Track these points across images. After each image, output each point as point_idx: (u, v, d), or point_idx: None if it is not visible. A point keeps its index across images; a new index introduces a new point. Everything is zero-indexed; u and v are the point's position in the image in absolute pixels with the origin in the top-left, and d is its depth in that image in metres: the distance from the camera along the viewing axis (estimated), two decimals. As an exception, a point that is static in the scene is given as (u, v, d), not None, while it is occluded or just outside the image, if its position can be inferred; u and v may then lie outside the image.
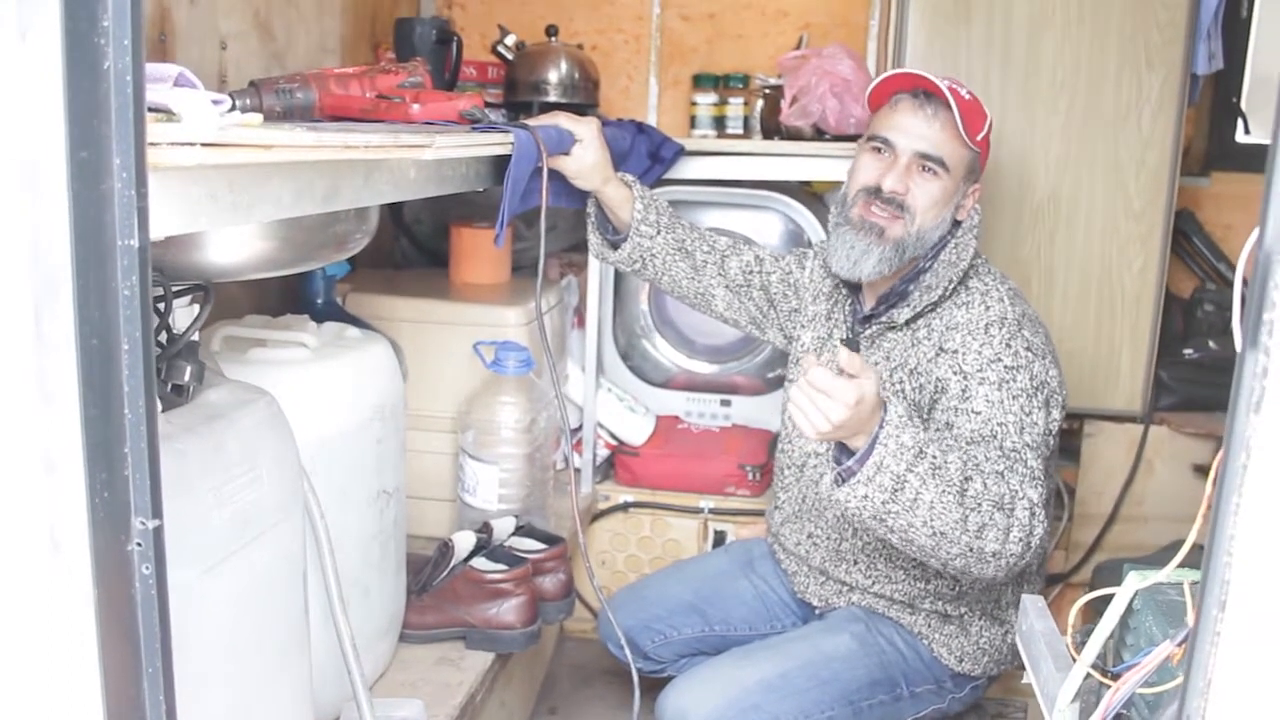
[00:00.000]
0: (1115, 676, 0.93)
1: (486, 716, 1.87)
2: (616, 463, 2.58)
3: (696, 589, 2.00)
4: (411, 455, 1.89)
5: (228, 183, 0.94)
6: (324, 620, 1.44)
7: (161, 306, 1.18)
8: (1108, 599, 1.00)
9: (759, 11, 2.78)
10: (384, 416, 1.65)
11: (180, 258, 1.28)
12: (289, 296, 2.09)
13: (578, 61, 2.43)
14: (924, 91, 1.67)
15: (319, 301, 2.06)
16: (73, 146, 0.74)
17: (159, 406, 0.96)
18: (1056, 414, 1.65)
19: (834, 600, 1.86)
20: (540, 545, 2.01)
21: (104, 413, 0.77)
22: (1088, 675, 0.95)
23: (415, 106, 1.46)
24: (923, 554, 1.50)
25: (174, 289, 1.22)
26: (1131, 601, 1.03)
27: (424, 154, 1.26)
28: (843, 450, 1.45)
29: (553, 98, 2.38)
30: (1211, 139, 2.69)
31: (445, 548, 1.91)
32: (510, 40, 2.44)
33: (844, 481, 1.44)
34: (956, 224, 1.73)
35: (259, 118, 0.94)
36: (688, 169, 2.31)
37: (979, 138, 1.68)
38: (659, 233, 1.90)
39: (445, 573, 1.88)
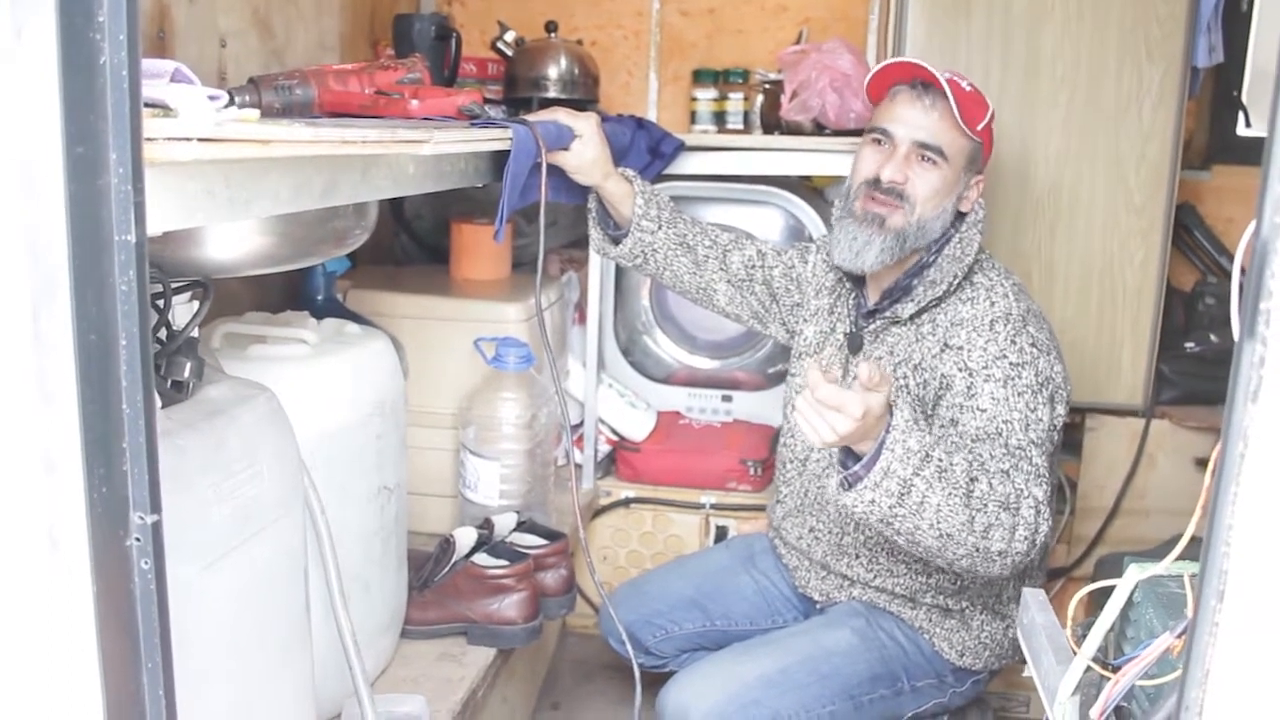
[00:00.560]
0: (1116, 669, 0.93)
1: (488, 712, 1.87)
2: (618, 458, 2.59)
3: (698, 584, 2.00)
4: (412, 451, 1.89)
5: (225, 178, 0.94)
6: (325, 616, 1.44)
7: (161, 303, 1.18)
8: (1109, 592, 1.00)
9: (758, 6, 2.78)
10: (384, 412, 1.65)
11: (180, 254, 1.28)
12: (289, 293, 2.10)
13: (577, 57, 2.43)
14: (921, 82, 1.68)
15: (319, 298, 2.07)
16: (69, 142, 0.74)
17: (157, 402, 0.96)
18: (1061, 409, 1.65)
19: (835, 595, 1.86)
20: (541, 541, 2.01)
21: (102, 408, 0.77)
22: (1088, 668, 0.95)
23: (414, 102, 1.46)
24: (929, 555, 1.50)
25: (173, 285, 1.22)
26: (1132, 594, 1.02)
27: (422, 149, 1.26)
28: (848, 454, 1.45)
29: (552, 94, 2.37)
30: (1212, 132, 2.68)
31: (446, 544, 1.91)
32: (509, 36, 2.43)
33: (850, 486, 1.44)
34: (960, 216, 1.73)
35: (256, 113, 0.94)
36: (688, 164, 2.31)
37: (979, 128, 1.68)
38: (660, 228, 1.90)
39: (447, 568, 1.88)
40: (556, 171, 1.77)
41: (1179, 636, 0.85)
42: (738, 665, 1.71)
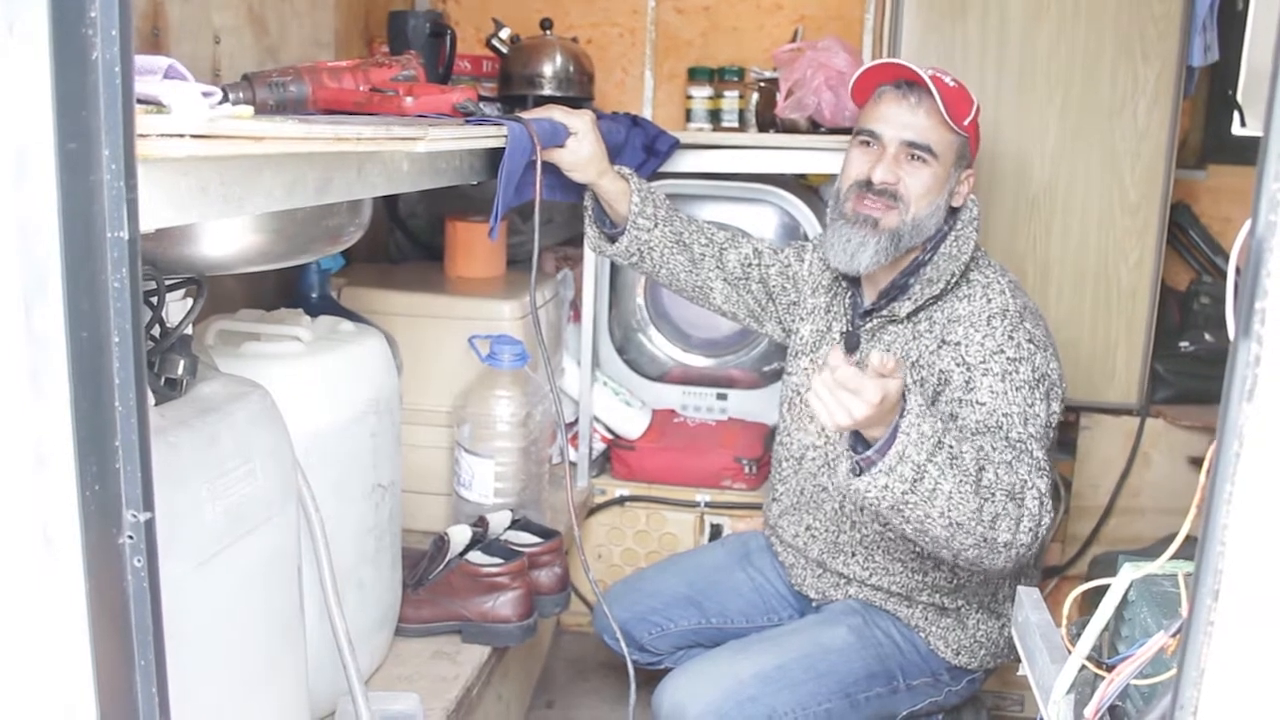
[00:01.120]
0: (1110, 668, 0.93)
1: (483, 710, 1.87)
2: (612, 456, 2.58)
3: (693, 581, 2.00)
4: (407, 449, 1.88)
5: (218, 175, 0.94)
6: (319, 614, 1.44)
7: (155, 300, 1.18)
8: (1103, 591, 1.00)
9: (754, 4, 2.78)
10: (379, 410, 1.65)
11: (173, 251, 1.27)
12: (283, 290, 2.09)
13: (572, 55, 2.42)
14: (906, 81, 1.68)
15: (313, 295, 2.06)
16: (61, 138, 0.73)
17: (150, 399, 0.96)
18: (1056, 406, 1.65)
19: (831, 593, 1.86)
20: (536, 539, 2.01)
21: (94, 405, 0.77)
22: (1083, 667, 0.95)
23: (409, 100, 1.45)
24: (936, 545, 1.49)
25: (167, 282, 1.22)
26: (1127, 593, 1.02)
27: (417, 146, 1.26)
28: (858, 440, 1.45)
29: (547, 91, 2.37)
30: (1208, 132, 2.69)
31: (441, 542, 1.90)
32: (504, 34, 2.43)
33: (862, 471, 1.43)
34: (953, 211, 1.73)
35: (250, 109, 0.94)
36: (683, 162, 2.31)
37: (966, 122, 1.68)
38: (656, 225, 1.90)
39: (441, 567, 1.88)
40: (552, 169, 1.77)
41: (1174, 635, 0.85)
42: (734, 662, 1.71)
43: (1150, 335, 2.32)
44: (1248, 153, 2.63)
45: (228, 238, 1.31)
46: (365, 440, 1.62)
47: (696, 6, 2.80)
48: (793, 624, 1.87)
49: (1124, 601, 1.04)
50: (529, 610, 1.88)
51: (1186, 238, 2.65)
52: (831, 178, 1.81)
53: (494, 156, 1.62)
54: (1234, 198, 2.64)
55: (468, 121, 1.50)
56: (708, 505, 2.50)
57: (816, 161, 2.32)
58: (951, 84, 1.68)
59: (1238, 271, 0.67)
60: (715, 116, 2.60)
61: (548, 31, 2.47)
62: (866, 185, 1.69)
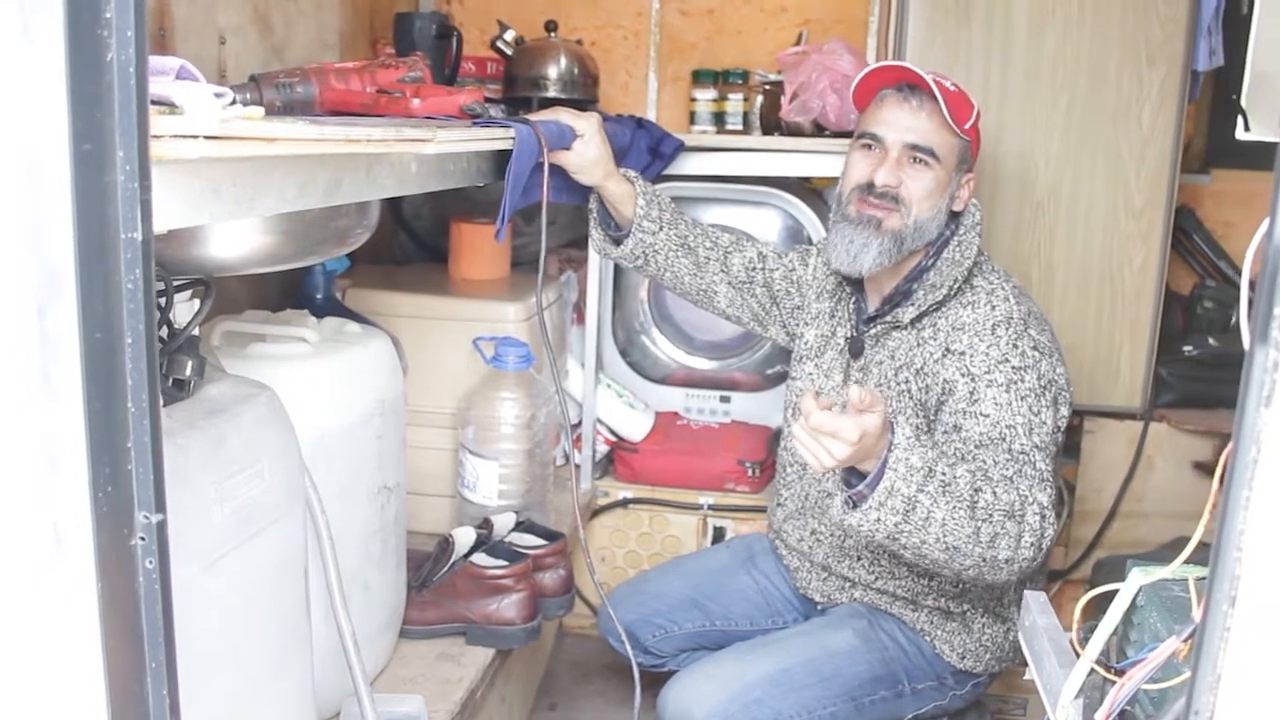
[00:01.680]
0: (1120, 672, 0.93)
1: (486, 712, 1.86)
2: (616, 459, 2.58)
3: (697, 584, 2.00)
4: (411, 451, 1.88)
5: (230, 176, 0.94)
6: (325, 616, 1.43)
7: (162, 301, 1.18)
8: (1109, 596, 1.00)
9: (758, 7, 2.78)
10: (385, 412, 1.64)
11: (181, 252, 1.27)
12: (288, 292, 2.09)
13: (577, 57, 2.43)
14: (908, 85, 1.68)
15: (319, 297, 2.06)
16: (76, 139, 0.74)
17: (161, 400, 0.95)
18: (1064, 411, 1.65)
19: (836, 596, 1.86)
20: (540, 541, 2.01)
21: (107, 406, 0.77)
22: (1091, 671, 0.95)
23: (416, 101, 1.45)
24: (936, 567, 1.51)
25: (175, 283, 1.22)
26: (1135, 598, 1.02)
27: (426, 148, 1.26)
28: (852, 472, 1.46)
29: (552, 93, 2.37)
30: (1211, 136, 2.68)
31: (445, 543, 1.90)
32: (509, 35, 2.43)
33: (855, 505, 1.44)
34: (954, 215, 1.73)
35: (261, 111, 0.94)
36: (687, 165, 2.31)
37: (967, 126, 1.69)
38: (661, 229, 1.90)
39: (445, 568, 1.88)
40: (558, 171, 1.77)
41: (1185, 640, 0.85)
42: (739, 665, 1.71)
43: (1154, 339, 2.32)
44: (1251, 157, 2.63)
45: (236, 239, 1.31)
46: (371, 442, 1.62)
47: (701, 9, 2.80)
48: (798, 627, 1.87)
49: (1132, 606, 1.04)
50: (533, 612, 1.88)
51: (1190, 242, 2.65)
52: (835, 181, 1.81)
53: (501, 159, 1.62)
54: (1237, 202, 2.64)
55: (475, 123, 1.50)
56: (711, 508, 2.50)
57: (821, 165, 2.32)
58: (952, 88, 1.68)
59: (1251, 279, 0.67)
60: (719, 119, 2.60)
61: (552, 34, 2.47)
62: (868, 188, 1.69)
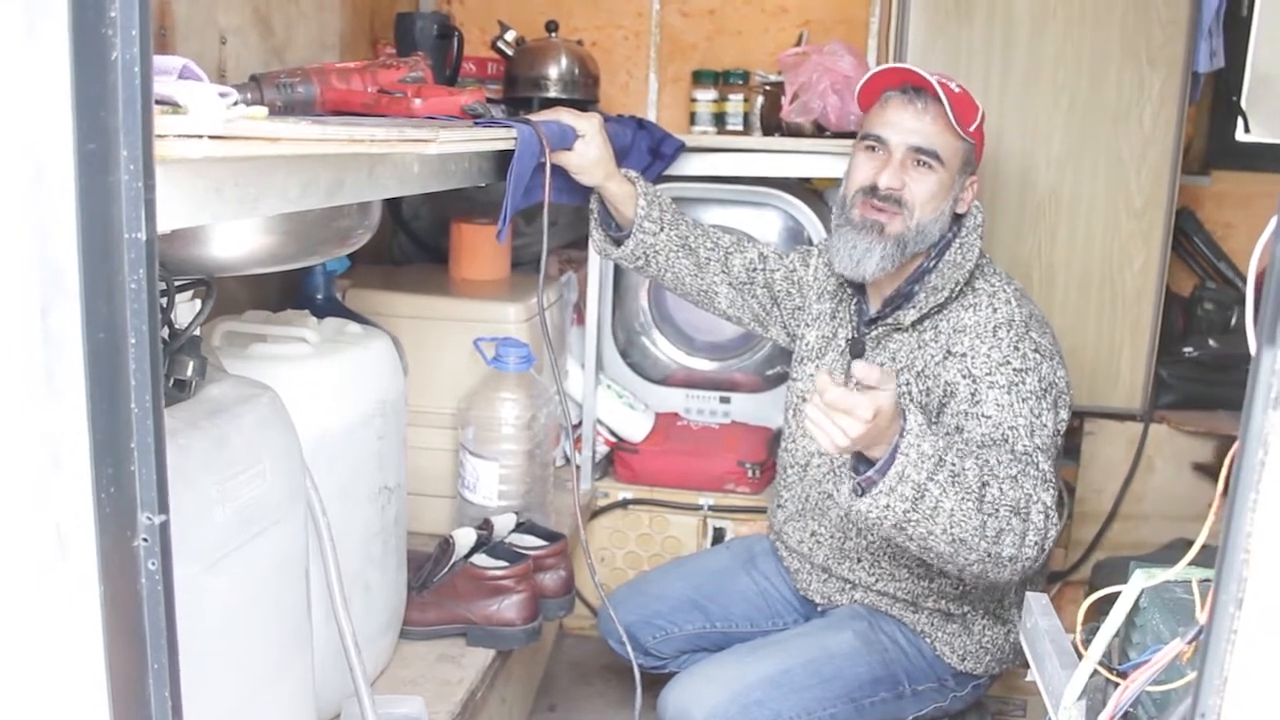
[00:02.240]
0: (1122, 674, 0.93)
1: (486, 714, 1.86)
2: (616, 459, 2.58)
3: (698, 585, 2.00)
4: (412, 451, 1.88)
5: (233, 175, 0.94)
6: (325, 617, 1.43)
7: (164, 301, 1.17)
8: (1110, 598, 1.00)
9: (758, 8, 2.78)
10: (385, 412, 1.64)
11: (183, 252, 1.27)
12: (288, 292, 2.09)
13: (578, 57, 2.43)
14: (913, 87, 1.67)
15: (319, 297, 2.06)
16: (80, 139, 0.73)
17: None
18: (1064, 414, 1.65)
19: (836, 598, 1.86)
20: (540, 542, 2.01)
21: (110, 407, 0.77)
22: (1093, 673, 0.95)
23: (417, 101, 1.45)
24: (940, 561, 1.50)
25: (176, 284, 1.22)
26: (1138, 600, 1.02)
27: (428, 148, 1.25)
28: (860, 459, 1.45)
29: (553, 94, 2.37)
30: (1212, 137, 2.69)
31: (446, 544, 1.90)
32: (510, 36, 2.43)
33: (864, 492, 1.43)
34: (957, 217, 1.73)
35: (264, 110, 0.93)
36: (688, 165, 2.31)
37: (971, 129, 1.68)
38: (662, 229, 1.89)
39: (446, 569, 1.88)
40: (559, 171, 1.76)
41: (1189, 642, 0.85)
42: (740, 667, 1.71)
43: (1154, 340, 2.32)
44: (1251, 159, 2.64)
45: (238, 239, 1.31)
46: (372, 442, 1.62)
47: (701, 9, 2.80)
48: (798, 628, 1.86)
49: (1135, 608, 1.04)
50: (534, 613, 1.88)
51: (1190, 243, 2.65)
52: (836, 182, 1.81)
53: (502, 159, 1.61)
54: (1238, 203, 2.64)
55: (476, 124, 1.50)
56: (711, 509, 2.50)
57: (821, 165, 2.32)
58: (957, 90, 1.67)
59: (1257, 280, 0.67)
60: (720, 120, 2.59)
61: (553, 34, 2.47)
62: (872, 191, 1.68)
